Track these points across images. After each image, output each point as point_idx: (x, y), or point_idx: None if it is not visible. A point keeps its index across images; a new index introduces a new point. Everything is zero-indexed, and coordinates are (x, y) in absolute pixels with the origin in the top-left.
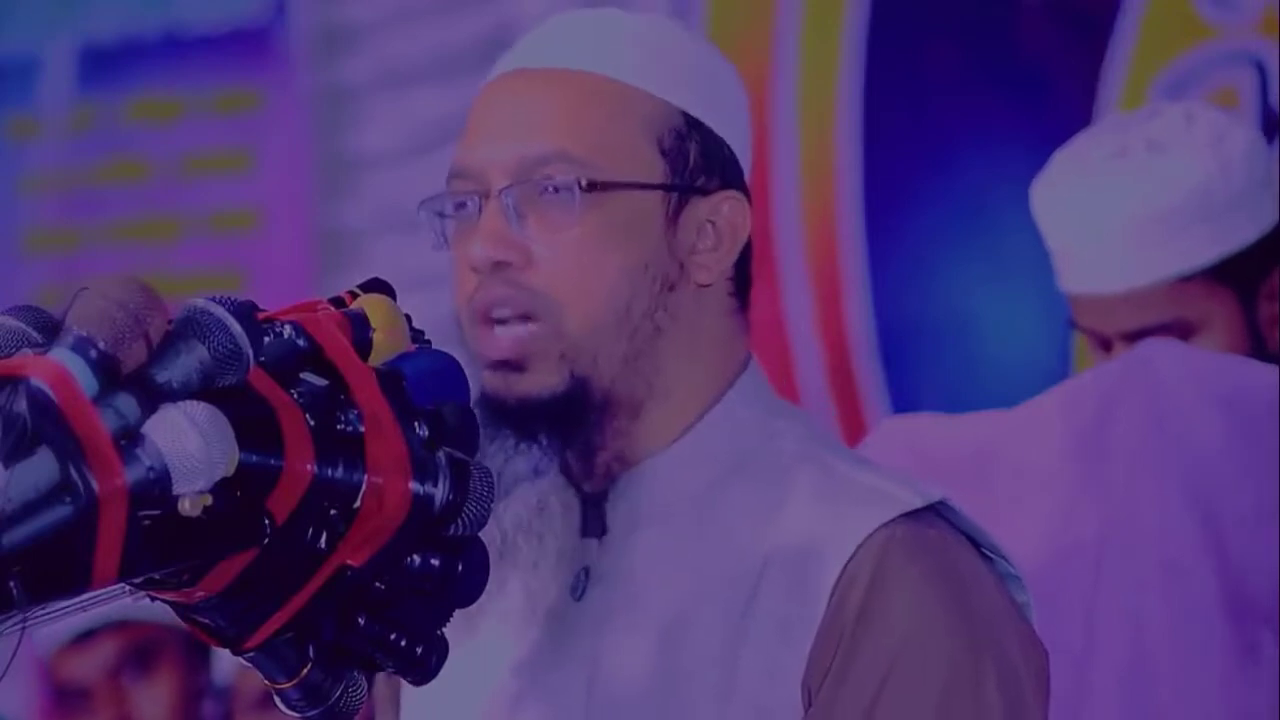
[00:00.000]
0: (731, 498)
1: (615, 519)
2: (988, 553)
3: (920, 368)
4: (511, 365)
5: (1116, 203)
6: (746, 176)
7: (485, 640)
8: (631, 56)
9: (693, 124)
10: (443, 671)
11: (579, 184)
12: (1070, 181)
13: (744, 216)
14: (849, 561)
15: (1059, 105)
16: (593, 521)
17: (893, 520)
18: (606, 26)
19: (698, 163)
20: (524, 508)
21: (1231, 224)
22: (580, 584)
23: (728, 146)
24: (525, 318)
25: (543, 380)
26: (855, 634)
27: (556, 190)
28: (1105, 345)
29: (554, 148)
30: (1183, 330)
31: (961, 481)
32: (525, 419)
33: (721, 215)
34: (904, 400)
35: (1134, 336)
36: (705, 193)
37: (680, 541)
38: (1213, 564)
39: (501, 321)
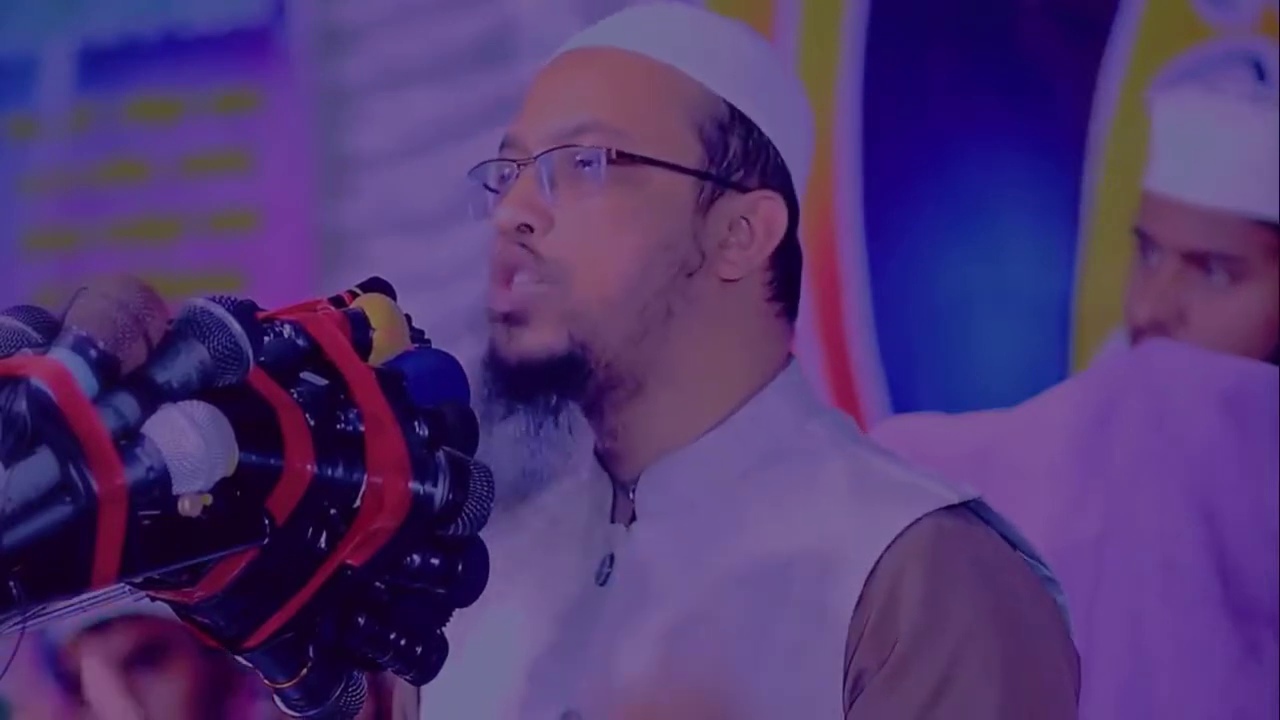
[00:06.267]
0: (763, 489)
1: (644, 506)
2: (1024, 555)
3: (920, 368)
4: (514, 318)
5: (1240, 125)
6: (800, 189)
7: (508, 622)
8: (687, 45)
9: (738, 118)
10: (465, 651)
11: (606, 155)
12: (1200, 94)
13: (781, 218)
14: (887, 550)
15: (1059, 105)
16: (622, 508)
17: (933, 513)
18: (672, 17)
19: (737, 157)
20: (566, 491)
21: None
22: (605, 569)
23: (774, 149)
24: (535, 281)
25: (542, 338)
26: (916, 625)
27: (585, 163)
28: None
29: (591, 118)
30: (1237, 270)
31: None
32: (523, 381)
33: (758, 214)
34: (904, 400)
35: (1194, 258)
36: (743, 189)
37: (708, 530)
38: (1213, 564)
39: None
